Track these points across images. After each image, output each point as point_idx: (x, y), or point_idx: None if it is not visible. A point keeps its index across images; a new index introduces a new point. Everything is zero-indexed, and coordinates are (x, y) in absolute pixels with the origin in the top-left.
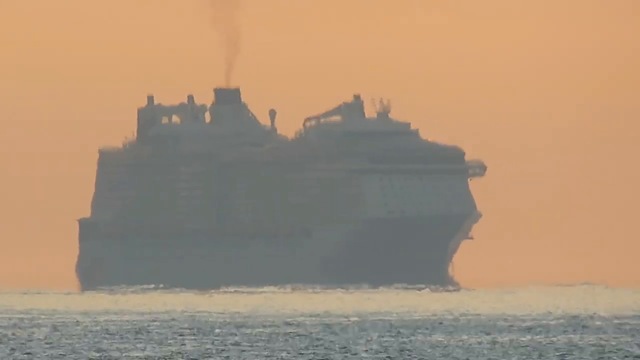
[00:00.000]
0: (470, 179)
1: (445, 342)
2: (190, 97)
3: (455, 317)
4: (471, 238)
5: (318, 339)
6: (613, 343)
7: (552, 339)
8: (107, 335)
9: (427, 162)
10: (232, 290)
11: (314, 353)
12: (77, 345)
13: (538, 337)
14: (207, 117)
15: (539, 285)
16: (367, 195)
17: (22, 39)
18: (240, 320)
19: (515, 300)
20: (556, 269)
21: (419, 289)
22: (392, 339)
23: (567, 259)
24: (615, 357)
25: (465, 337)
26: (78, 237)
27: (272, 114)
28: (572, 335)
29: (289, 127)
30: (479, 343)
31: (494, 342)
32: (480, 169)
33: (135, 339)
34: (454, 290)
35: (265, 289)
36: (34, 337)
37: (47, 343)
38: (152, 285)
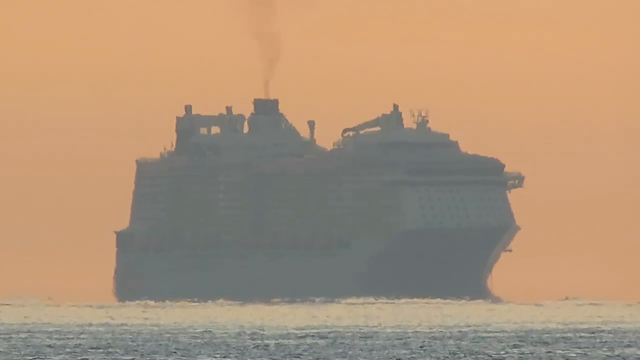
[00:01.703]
0: (509, 191)
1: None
2: (229, 108)
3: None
4: (510, 251)
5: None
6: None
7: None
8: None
9: (466, 174)
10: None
11: None
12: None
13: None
14: (246, 127)
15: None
16: (404, 207)
17: (62, 50)
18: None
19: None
20: (595, 283)
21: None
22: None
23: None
24: None
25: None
26: (115, 249)
27: (311, 124)
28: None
29: (327, 137)
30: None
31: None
32: (519, 180)
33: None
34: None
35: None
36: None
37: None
38: (196, 299)
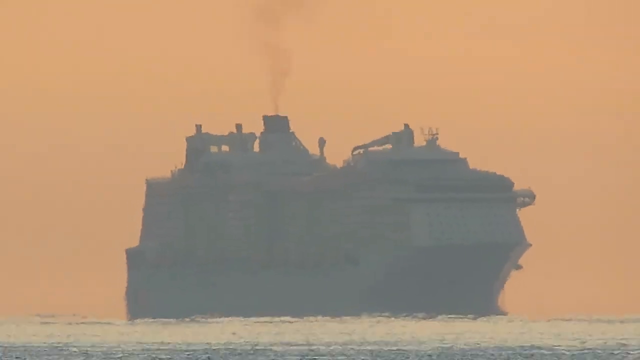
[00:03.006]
0: (519, 209)
1: None
2: (239, 126)
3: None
4: (520, 267)
5: None
6: None
7: None
8: None
9: (475, 191)
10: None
11: None
12: None
13: None
14: (256, 145)
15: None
16: (413, 224)
17: (73, 71)
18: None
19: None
20: (607, 300)
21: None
22: None
23: (618, 290)
24: None
25: None
26: (126, 267)
27: (321, 142)
28: None
29: (337, 155)
30: None
31: None
32: (529, 198)
33: None
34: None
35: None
36: None
37: None
38: (201, 315)
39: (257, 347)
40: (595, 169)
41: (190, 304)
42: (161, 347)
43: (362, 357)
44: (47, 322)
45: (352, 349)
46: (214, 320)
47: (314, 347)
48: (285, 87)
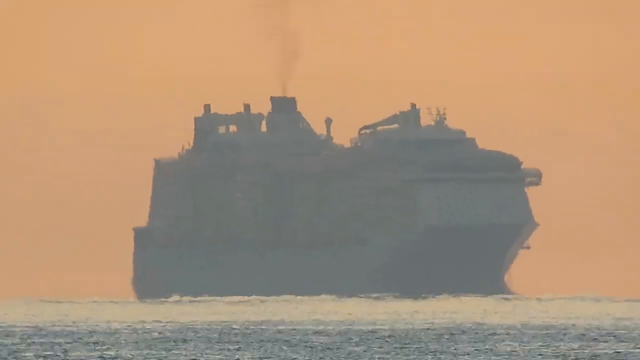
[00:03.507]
0: (527, 188)
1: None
2: (247, 106)
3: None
4: (528, 248)
5: None
6: None
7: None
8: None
9: (483, 171)
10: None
11: None
12: None
13: None
14: (264, 126)
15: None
16: (422, 204)
17: (79, 48)
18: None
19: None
20: (615, 280)
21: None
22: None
23: (627, 270)
24: None
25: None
26: (134, 246)
27: (328, 122)
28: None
29: (344, 135)
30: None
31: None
32: (536, 177)
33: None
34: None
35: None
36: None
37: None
38: (206, 295)
39: (262, 327)
40: (605, 148)
41: (198, 284)
42: (167, 327)
43: (374, 336)
44: (50, 302)
45: (361, 329)
46: (221, 299)
47: (320, 328)
48: (294, 69)
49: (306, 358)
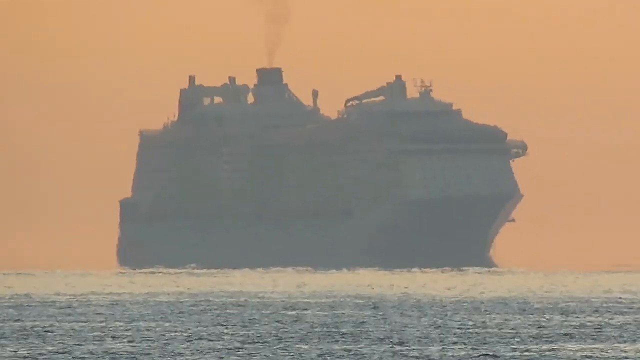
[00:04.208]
0: (513, 160)
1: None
2: (232, 78)
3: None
4: (513, 220)
5: None
6: None
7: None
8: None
9: (469, 142)
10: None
11: None
12: None
13: None
14: (250, 97)
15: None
16: (407, 176)
17: (67, 23)
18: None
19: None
20: (599, 252)
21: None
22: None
23: (610, 242)
24: None
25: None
26: (119, 218)
27: (315, 94)
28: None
29: (331, 107)
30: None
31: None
32: (522, 149)
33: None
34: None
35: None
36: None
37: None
38: (193, 265)
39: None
40: (590, 120)
41: (184, 256)
42: (159, 298)
43: (364, 304)
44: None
45: (354, 301)
46: (209, 271)
47: (304, 298)
48: (279, 39)
49: None
